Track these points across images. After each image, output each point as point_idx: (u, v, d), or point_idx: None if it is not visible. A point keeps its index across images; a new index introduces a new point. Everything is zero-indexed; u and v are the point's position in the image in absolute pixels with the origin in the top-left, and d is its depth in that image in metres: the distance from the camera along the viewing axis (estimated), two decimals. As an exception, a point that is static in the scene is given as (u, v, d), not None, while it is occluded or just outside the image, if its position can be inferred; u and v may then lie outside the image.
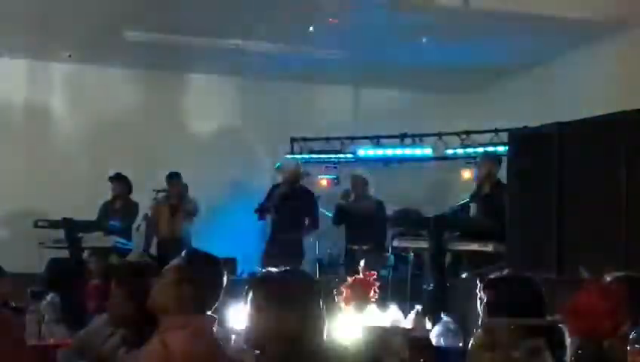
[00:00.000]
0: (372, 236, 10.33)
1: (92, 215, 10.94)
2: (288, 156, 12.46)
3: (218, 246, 11.44)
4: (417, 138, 12.30)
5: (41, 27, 10.81)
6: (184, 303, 3.76)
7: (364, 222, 10.57)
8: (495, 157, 9.81)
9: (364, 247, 10.35)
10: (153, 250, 11.28)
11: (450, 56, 11.36)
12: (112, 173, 11.22)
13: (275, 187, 11.12)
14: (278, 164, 11.51)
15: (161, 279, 3.86)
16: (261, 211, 11.05)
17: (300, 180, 11.29)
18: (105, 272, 7.76)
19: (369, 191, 10.96)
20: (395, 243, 9.80)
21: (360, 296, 6.69)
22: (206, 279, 3.85)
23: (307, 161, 12.79)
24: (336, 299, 5.39)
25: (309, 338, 3.15)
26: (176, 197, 11.45)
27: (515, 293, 3.93)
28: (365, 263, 10.12)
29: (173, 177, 11.43)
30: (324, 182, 12.59)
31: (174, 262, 3.93)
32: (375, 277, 9.50)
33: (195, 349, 3.60)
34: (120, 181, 11.14)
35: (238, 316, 5.81)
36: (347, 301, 6.40)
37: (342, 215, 11.02)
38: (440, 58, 11.44)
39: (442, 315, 5.60)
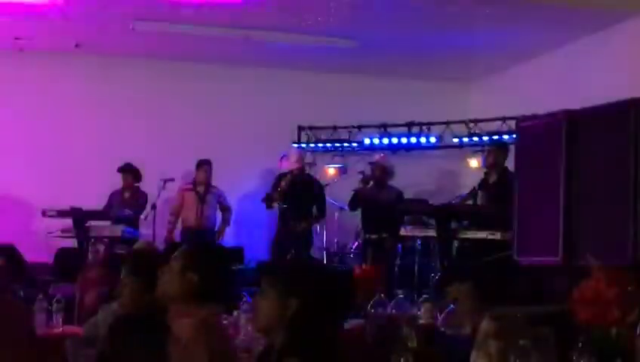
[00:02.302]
0: (389, 226, 10.27)
1: (101, 205, 10.97)
2: (295, 145, 12.47)
3: (226, 235, 11.55)
4: (425, 126, 12.28)
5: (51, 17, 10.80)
6: (190, 291, 3.76)
7: (382, 211, 10.51)
8: (503, 146, 9.80)
9: (384, 235, 10.34)
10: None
11: (458, 44, 11.34)
12: (121, 163, 11.19)
13: (280, 176, 11.11)
14: (284, 153, 11.47)
15: (167, 268, 3.86)
16: (268, 200, 11.04)
17: (305, 168, 11.27)
18: (106, 261, 7.74)
19: (390, 180, 10.90)
20: (403, 231, 9.81)
21: (369, 285, 6.71)
22: (212, 267, 3.84)
23: (314, 150, 12.79)
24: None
25: (315, 325, 3.16)
26: (204, 184, 11.44)
27: (517, 282, 3.93)
28: (380, 252, 10.19)
29: (203, 164, 11.40)
30: (331, 171, 12.57)
31: (180, 250, 3.94)
32: (385, 266, 9.58)
33: (202, 337, 3.61)
34: (129, 172, 11.11)
35: (246, 303, 5.84)
36: (357, 289, 6.42)
37: (358, 201, 10.95)
38: (448, 46, 11.43)
39: (450, 303, 5.60)
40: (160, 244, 9.69)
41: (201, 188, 11.41)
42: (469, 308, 4.07)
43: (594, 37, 10.66)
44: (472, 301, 4.06)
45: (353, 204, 11.00)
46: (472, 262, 6.57)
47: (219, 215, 11.59)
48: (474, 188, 9.93)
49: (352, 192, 10.99)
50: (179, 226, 11.49)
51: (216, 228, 11.45)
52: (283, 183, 10.82)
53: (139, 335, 3.71)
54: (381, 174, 10.82)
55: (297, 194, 10.85)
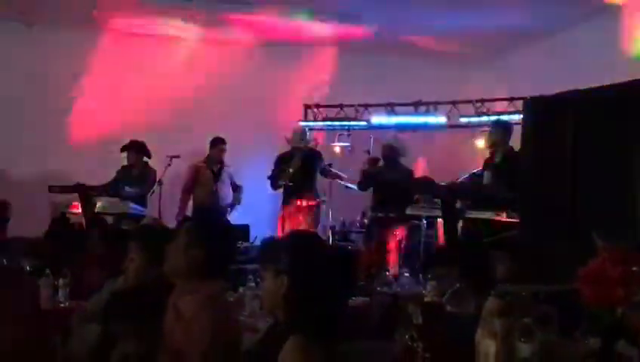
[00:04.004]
0: (398, 205, 10.27)
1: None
2: (301, 123, 12.49)
3: (232, 213, 11.51)
4: (432, 106, 12.25)
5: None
6: (194, 268, 3.77)
7: (392, 190, 10.53)
8: (506, 125, 9.77)
9: (391, 214, 10.36)
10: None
11: (467, 23, 11.31)
12: (126, 140, 11.15)
13: (281, 158, 11.11)
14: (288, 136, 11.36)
15: (173, 244, 3.87)
16: (274, 182, 11.05)
17: (306, 144, 11.26)
18: (107, 238, 7.70)
19: (400, 159, 10.94)
20: (409, 210, 9.82)
21: (375, 263, 6.73)
22: (216, 244, 3.85)
23: (321, 129, 12.80)
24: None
25: (311, 302, 3.16)
26: (218, 162, 11.47)
27: (523, 261, 3.93)
28: (386, 231, 10.21)
29: (219, 143, 11.43)
30: (337, 150, 12.57)
31: (186, 226, 3.95)
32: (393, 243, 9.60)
33: (206, 314, 3.62)
34: (134, 149, 11.06)
35: (251, 281, 5.86)
36: (363, 267, 6.44)
37: (367, 181, 11.01)
38: (456, 24, 11.41)
39: (455, 282, 5.62)
40: (168, 221, 9.69)
41: (215, 166, 11.45)
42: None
43: (604, 16, 10.61)
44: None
45: (362, 184, 11.06)
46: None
47: (231, 193, 11.66)
48: (474, 171, 9.92)
49: (360, 173, 11.04)
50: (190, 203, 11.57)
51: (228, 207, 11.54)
52: (290, 169, 10.81)
53: (134, 309, 3.72)
54: (390, 153, 10.85)
55: (304, 171, 10.87)
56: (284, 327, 3.17)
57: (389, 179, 10.64)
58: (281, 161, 11.08)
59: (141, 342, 3.46)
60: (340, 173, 11.36)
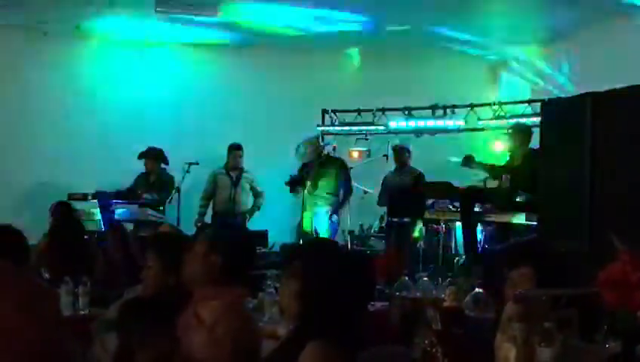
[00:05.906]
0: (412, 209, 10.28)
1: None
2: (319, 128, 12.52)
3: (251, 219, 11.52)
4: (449, 109, 12.22)
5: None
6: (213, 274, 3.77)
7: (404, 194, 10.56)
8: (525, 128, 9.73)
9: (406, 219, 10.37)
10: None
11: (483, 27, 11.30)
12: (144, 146, 11.19)
13: (305, 167, 11.12)
14: (298, 147, 11.29)
15: (191, 251, 3.87)
16: (293, 185, 11.05)
17: (323, 151, 11.27)
18: (124, 245, 7.69)
19: (410, 162, 11.05)
20: (427, 214, 9.80)
21: (393, 268, 6.71)
22: (235, 250, 3.85)
23: (338, 133, 12.80)
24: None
25: (328, 308, 3.15)
26: (237, 169, 11.50)
27: (542, 265, 3.89)
28: (403, 235, 10.23)
29: (236, 149, 11.47)
30: (355, 154, 12.56)
31: (204, 233, 3.95)
32: (409, 249, 9.60)
33: (227, 320, 3.62)
34: (152, 156, 11.10)
35: (271, 287, 5.85)
36: (381, 272, 6.42)
37: (380, 195, 11.28)
38: (472, 28, 11.40)
39: (474, 286, 5.60)
40: (187, 228, 9.72)
41: (234, 173, 11.49)
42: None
43: (621, 20, 10.57)
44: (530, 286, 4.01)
45: (380, 201, 11.18)
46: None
47: (250, 199, 11.68)
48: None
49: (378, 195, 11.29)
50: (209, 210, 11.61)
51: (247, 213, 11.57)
52: (308, 181, 10.81)
53: (148, 317, 3.73)
54: (403, 156, 10.97)
55: (322, 178, 10.87)
56: (304, 333, 3.17)
57: (400, 184, 10.74)
58: (302, 170, 11.07)
59: (157, 350, 3.46)
60: (343, 202, 11.30)
